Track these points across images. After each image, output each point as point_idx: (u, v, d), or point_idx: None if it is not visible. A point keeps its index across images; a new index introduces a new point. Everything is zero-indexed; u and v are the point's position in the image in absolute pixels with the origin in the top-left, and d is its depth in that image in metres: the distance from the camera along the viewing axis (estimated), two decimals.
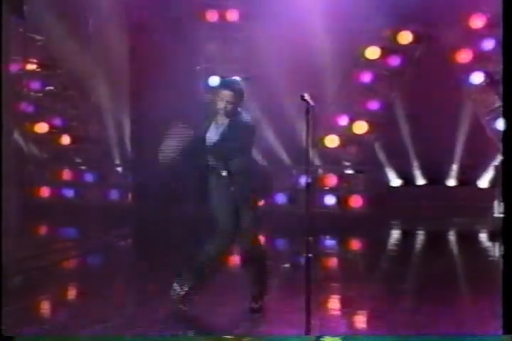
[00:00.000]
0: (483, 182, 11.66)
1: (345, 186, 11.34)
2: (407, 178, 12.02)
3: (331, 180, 11.50)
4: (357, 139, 11.64)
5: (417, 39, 11.44)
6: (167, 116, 11.55)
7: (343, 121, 11.69)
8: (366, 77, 11.61)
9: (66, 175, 12.26)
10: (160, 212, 10.79)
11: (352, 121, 11.66)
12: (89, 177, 12.25)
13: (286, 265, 6.88)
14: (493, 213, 10.98)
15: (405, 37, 11.47)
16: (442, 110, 11.19)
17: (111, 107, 11.99)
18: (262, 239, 5.72)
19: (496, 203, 10.97)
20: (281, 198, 11.58)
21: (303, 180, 11.40)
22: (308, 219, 4.90)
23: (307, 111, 5.01)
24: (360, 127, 11.57)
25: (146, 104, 11.54)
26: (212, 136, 5.67)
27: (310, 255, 4.82)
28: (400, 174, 12.09)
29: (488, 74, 11.25)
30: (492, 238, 10.31)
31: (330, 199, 11.44)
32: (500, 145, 11.13)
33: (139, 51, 11.73)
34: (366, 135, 11.62)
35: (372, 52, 11.56)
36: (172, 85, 11.41)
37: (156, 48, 11.47)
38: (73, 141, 12.33)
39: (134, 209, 11.66)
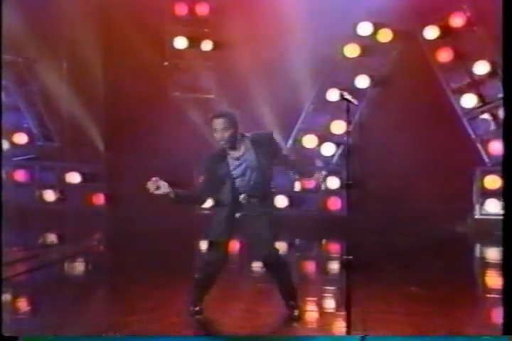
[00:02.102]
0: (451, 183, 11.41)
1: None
2: None
3: (309, 182, 11.16)
4: (335, 139, 11.34)
5: (397, 37, 11.20)
6: (137, 115, 11.48)
7: (322, 120, 11.38)
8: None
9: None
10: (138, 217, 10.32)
11: (331, 120, 11.36)
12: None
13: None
14: (473, 215, 10.80)
15: (385, 35, 11.21)
16: (421, 110, 10.92)
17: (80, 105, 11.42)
18: (279, 245, 5.42)
19: (476, 204, 10.79)
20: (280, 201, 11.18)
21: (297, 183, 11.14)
22: (348, 221, 4.81)
23: (348, 110, 4.82)
24: (339, 127, 11.24)
25: (118, 102, 11.11)
26: (240, 173, 5.31)
27: (350, 257, 4.66)
28: None
29: (469, 74, 11.06)
30: (473, 240, 10.10)
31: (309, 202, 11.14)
32: (479, 146, 11.04)
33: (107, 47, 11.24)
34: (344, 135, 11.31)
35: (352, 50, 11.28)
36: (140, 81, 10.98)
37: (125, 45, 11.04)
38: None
39: (108, 213, 11.16)
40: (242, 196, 5.27)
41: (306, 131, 11.53)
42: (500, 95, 10.70)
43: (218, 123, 5.17)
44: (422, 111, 10.75)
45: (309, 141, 11.49)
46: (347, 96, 4.84)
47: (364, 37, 11.30)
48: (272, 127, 11.03)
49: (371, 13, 11.00)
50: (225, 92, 11.37)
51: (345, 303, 4.67)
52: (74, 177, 11.78)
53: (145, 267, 7.58)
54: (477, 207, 10.78)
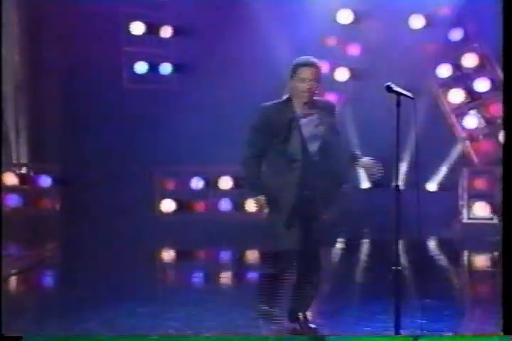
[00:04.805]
0: (432, 185, 10.72)
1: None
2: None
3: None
4: None
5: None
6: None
7: None
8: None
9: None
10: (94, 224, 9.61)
11: None
12: None
13: None
14: (461, 219, 10.11)
15: None
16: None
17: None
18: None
19: (463, 208, 10.13)
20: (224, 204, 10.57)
21: None
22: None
23: (398, 104, 4.43)
24: None
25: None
26: (310, 134, 4.63)
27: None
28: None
29: (456, 68, 10.38)
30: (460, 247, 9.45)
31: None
32: (465, 145, 10.40)
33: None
34: None
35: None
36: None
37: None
38: None
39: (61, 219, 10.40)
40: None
41: None
42: (488, 90, 10.18)
43: (311, 72, 4.53)
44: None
45: None
46: (395, 87, 4.45)
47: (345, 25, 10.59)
48: (244, 124, 10.29)
49: None
50: (186, 83, 10.62)
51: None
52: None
53: (103, 275, 7.10)
54: (464, 210, 10.10)
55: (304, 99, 4.57)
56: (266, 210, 4.59)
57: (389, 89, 4.44)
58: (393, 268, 4.41)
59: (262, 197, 4.55)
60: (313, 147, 4.58)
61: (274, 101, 4.62)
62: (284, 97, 4.63)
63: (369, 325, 5.11)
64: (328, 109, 4.67)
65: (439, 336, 4.78)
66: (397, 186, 4.47)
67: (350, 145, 4.90)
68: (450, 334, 4.86)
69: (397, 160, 4.43)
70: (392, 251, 4.55)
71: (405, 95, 4.44)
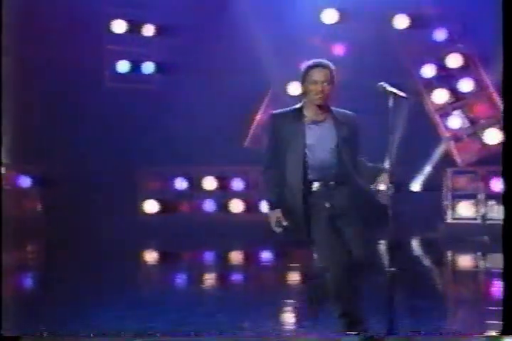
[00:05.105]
0: (416, 185, 10.71)
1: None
2: None
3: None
4: None
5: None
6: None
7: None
8: None
9: None
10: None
11: None
12: None
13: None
14: (445, 219, 10.10)
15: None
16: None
17: None
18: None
19: (447, 209, 10.12)
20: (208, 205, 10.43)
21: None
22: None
23: (392, 104, 4.30)
24: None
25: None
26: (316, 142, 4.31)
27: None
28: None
29: (441, 68, 10.37)
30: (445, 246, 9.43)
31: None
32: (449, 145, 10.38)
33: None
34: None
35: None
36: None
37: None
38: None
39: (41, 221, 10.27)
40: (316, 183, 4.23)
41: (264, 129, 10.71)
42: (472, 90, 10.17)
43: (323, 74, 4.30)
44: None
45: None
46: (389, 88, 4.28)
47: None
48: (227, 124, 10.28)
49: None
50: (168, 83, 10.53)
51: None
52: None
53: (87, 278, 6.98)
54: (448, 210, 10.09)
55: (316, 102, 4.30)
56: (283, 224, 4.25)
57: (383, 89, 4.31)
58: (388, 270, 4.26)
59: (278, 211, 4.26)
60: (320, 155, 4.29)
61: (286, 108, 4.42)
62: (298, 105, 4.38)
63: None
64: (345, 119, 4.36)
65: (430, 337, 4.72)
66: (388, 187, 4.32)
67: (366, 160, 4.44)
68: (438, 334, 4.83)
69: (389, 160, 4.32)
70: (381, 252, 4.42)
71: (400, 95, 4.31)
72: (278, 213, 4.26)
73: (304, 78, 4.34)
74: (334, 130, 4.32)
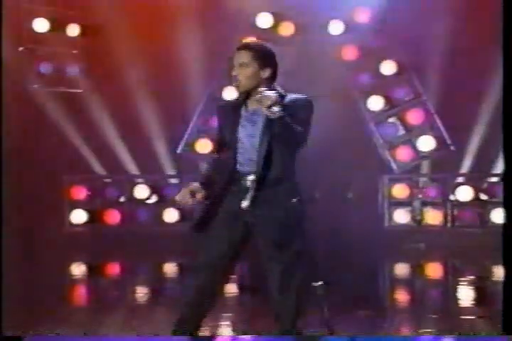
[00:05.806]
0: (351, 193, 10.67)
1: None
2: None
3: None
4: None
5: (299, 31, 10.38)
6: None
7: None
8: None
9: None
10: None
11: None
12: None
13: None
14: (381, 226, 10.07)
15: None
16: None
17: None
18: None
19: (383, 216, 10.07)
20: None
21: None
22: None
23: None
24: None
25: None
26: (244, 135, 3.84)
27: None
28: None
29: (376, 75, 10.34)
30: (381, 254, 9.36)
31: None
32: (387, 152, 10.35)
33: None
34: None
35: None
36: None
37: None
38: None
39: None
40: (250, 177, 3.77)
41: (199, 134, 10.48)
42: (408, 98, 10.17)
43: (239, 56, 3.80)
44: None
45: (202, 146, 10.43)
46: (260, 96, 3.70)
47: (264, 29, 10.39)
48: (157, 132, 10.00)
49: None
50: (96, 86, 10.16)
51: None
52: None
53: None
54: (385, 218, 10.05)
55: (236, 89, 3.87)
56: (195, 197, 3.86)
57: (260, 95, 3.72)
58: (315, 283, 3.99)
59: (196, 184, 3.86)
60: (249, 150, 3.83)
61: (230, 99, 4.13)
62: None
63: None
64: (292, 107, 3.78)
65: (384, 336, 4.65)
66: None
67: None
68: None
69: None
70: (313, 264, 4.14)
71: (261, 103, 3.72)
72: (196, 186, 3.86)
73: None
74: (266, 123, 3.78)
